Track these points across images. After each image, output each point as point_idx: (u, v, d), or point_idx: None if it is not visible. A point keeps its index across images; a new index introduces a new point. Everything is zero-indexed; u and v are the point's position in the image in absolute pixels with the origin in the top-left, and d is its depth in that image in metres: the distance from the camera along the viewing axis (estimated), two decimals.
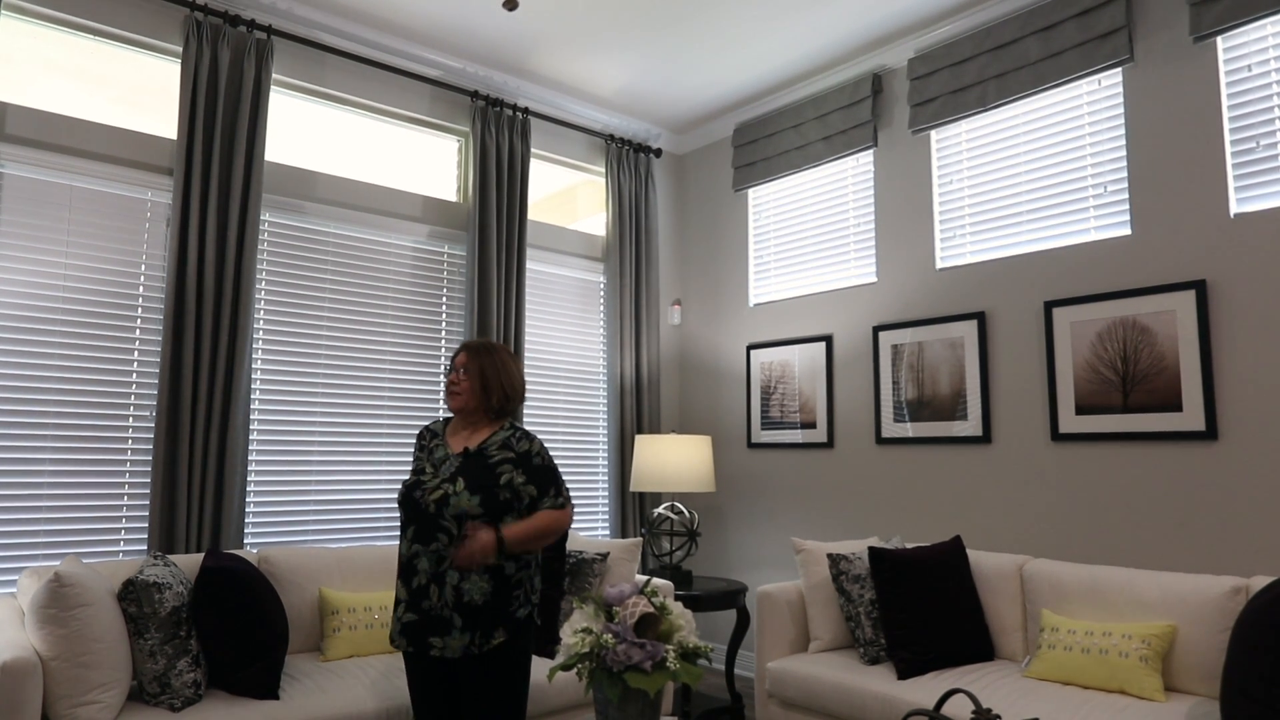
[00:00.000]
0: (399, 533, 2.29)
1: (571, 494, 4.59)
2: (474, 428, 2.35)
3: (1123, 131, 3.32)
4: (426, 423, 2.59)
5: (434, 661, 2.25)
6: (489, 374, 2.33)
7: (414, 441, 2.40)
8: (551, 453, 4.53)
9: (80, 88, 3.33)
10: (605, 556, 3.46)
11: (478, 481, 2.21)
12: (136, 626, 2.46)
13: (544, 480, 2.30)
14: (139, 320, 3.32)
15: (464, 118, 4.32)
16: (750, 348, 4.71)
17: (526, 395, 4.41)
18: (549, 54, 4.19)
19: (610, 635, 2.04)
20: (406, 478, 2.27)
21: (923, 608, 3.05)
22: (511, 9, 2.79)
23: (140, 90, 3.47)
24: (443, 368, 4.15)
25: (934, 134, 3.95)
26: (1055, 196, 3.51)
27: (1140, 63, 3.27)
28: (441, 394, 2.38)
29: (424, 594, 2.19)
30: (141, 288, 3.34)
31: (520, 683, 2.24)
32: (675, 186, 5.31)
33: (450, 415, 2.34)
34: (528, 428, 4.43)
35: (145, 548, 3.24)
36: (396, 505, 2.30)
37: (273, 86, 3.78)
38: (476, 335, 4.07)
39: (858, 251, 4.25)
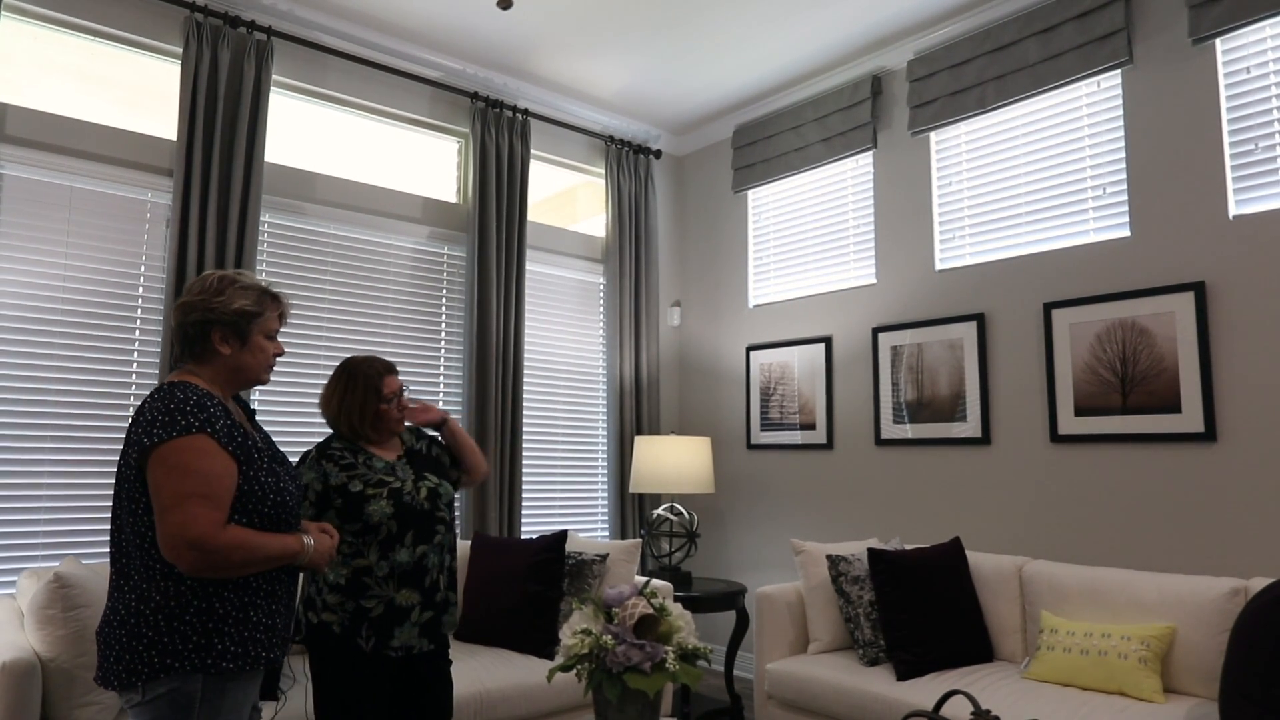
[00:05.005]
0: (377, 551, 2.18)
1: (569, 495, 4.60)
2: (384, 439, 2.33)
3: (1122, 133, 3.32)
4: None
5: (390, 662, 2.17)
6: None
7: (326, 464, 2.21)
8: (550, 454, 4.54)
9: (80, 88, 3.33)
10: (604, 558, 3.46)
11: (436, 472, 2.34)
12: None
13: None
14: (139, 320, 3.32)
15: (464, 119, 4.32)
16: (750, 349, 4.71)
17: (533, 400, 4.41)
18: (549, 55, 4.19)
19: (610, 636, 2.04)
20: (358, 489, 2.16)
21: (922, 609, 3.05)
22: (505, 7, 2.79)
23: (140, 91, 3.47)
24: (442, 369, 4.15)
25: (933, 135, 3.95)
26: (1054, 198, 3.51)
27: (1139, 65, 3.28)
28: (407, 403, 2.34)
29: (435, 588, 2.24)
30: (141, 288, 3.34)
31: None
32: (675, 188, 5.31)
33: (341, 438, 2.28)
34: (528, 429, 4.44)
35: None
36: (375, 526, 2.19)
37: (273, 87, 3.78)
38: (476, 337, 4.06)
39: (857, 253, 4.25)
